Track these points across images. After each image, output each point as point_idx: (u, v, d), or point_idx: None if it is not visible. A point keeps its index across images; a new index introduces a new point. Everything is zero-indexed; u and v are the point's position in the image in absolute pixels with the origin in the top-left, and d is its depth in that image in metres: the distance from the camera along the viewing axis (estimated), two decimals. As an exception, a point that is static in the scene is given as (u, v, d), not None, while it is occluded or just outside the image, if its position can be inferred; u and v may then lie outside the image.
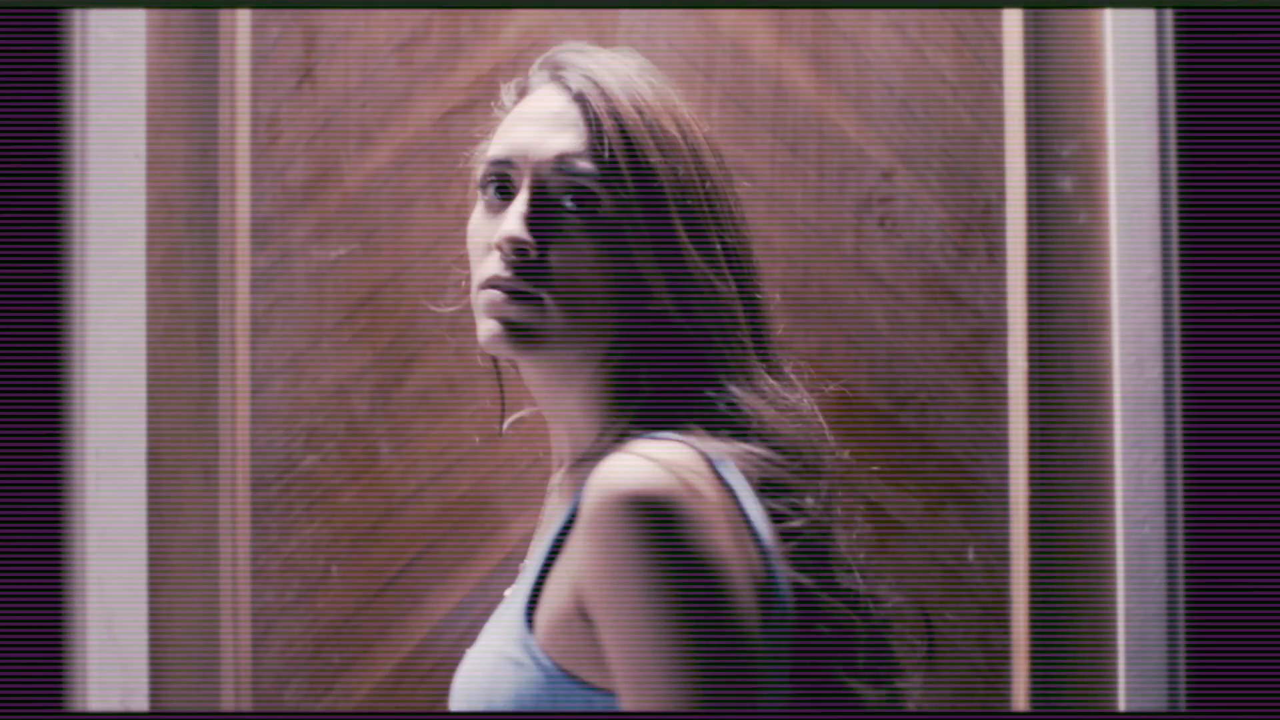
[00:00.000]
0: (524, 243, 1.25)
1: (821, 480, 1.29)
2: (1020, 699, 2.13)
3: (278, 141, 2.11)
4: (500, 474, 2.10)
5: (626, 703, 1.14)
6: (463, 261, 1.37)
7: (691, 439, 1.22)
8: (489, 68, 2.12)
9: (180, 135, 2.07)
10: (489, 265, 1.28)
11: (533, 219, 1.26)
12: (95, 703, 1.95)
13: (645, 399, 1.28)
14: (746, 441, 1.24)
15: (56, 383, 1.98)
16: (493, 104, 1.40)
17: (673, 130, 1.30)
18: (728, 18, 2.14)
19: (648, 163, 1.27)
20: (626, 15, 2.13)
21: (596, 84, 1.30)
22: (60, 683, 1.96)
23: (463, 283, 1.39)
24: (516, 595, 1.26)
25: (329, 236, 2.11)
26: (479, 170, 1.34)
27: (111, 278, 1.99)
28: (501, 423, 1.48)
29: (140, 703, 1.98)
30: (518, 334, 1.26)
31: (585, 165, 1.27)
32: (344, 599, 2.10)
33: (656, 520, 1.14)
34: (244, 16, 2.10)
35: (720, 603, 1.14)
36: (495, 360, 1.43)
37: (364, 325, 2.11)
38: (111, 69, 2.00)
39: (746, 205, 2.14)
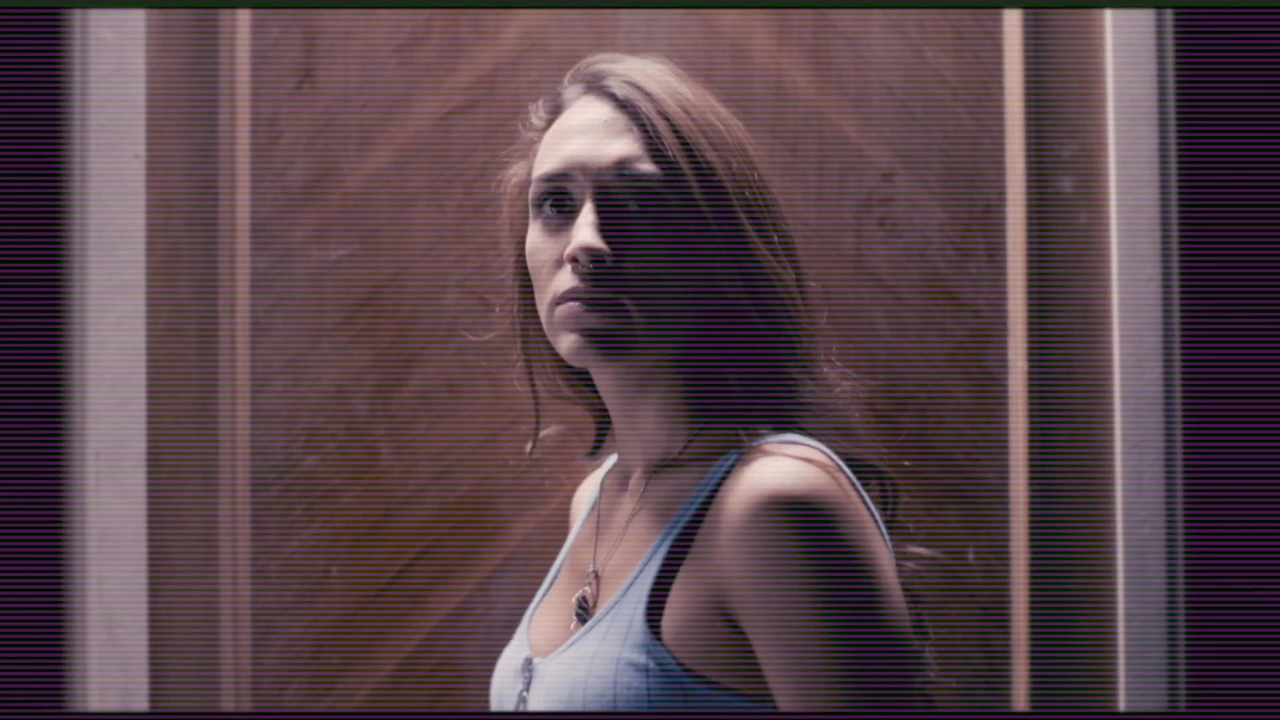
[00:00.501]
0: (600, 251, 1.25)
1: (882, 462, 1.32)
2: (1020, 699, 2.13)
3: (278, 142, 2.11)
4: (500, 475, 2.10)
5: (786, 704, 1.17)
6: (501, 289, 1.40)
7: (811, 440, 1.24)
8: (489, 68, 2.12)
9: (180, 136, 2.07)
10: (562, 280, 1.28)
11: (603, 227, 1.26)
12: (95, 703, 1.95)
13: (729, 397, 1.30)
14: (834, 434, 1.27)
15: (57, 383, 1.98)
16: (521, 125, 1.40)
17: (720, 126, 1.32)
18: (728, 19, 2.14)
19: (705, 160, 1.29)
20: (626, 16, 2.13)
21: (640, 88, 1.30)
22: (60, 683, 1.96)
23: (500, 308, 1.42)
24: (627, 599, 1.25)
25: (329, 237, 2.11)
26: (532, 189, 1.33)
27: (112, 278, 1.99)
28: (532, 445, 1.49)
29: (140, 703, 1.98)
30: (603, 342, 1.27)
31: (647, 168, 1.28)
32: (344, 600, 2.10)
33: (822, 522, 1.16)
34: (244, 17, 2.10)
35: (883, 602, 1.17)
36: (533, 382, 1.44)
37: (364, 326, 2.11)
38: (111, 70, 2.00)
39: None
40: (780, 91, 2.14)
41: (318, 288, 2.11)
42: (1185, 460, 2.08)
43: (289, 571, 2.09)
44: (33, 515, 1.94)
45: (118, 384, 1.99)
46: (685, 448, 1.31)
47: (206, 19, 2.09)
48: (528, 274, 1.35)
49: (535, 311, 1.35)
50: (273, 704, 2.07)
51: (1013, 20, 2.15)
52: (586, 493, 1.56)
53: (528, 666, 1.33)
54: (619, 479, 1.42)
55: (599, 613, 1.28)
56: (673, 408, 1.33)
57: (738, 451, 1.24)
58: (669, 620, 1.22)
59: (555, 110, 1.37)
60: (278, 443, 2.09)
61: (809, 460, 1.19)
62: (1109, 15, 2.11)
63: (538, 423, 1.46)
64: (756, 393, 1.29)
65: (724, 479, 1.22)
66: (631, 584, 1.26)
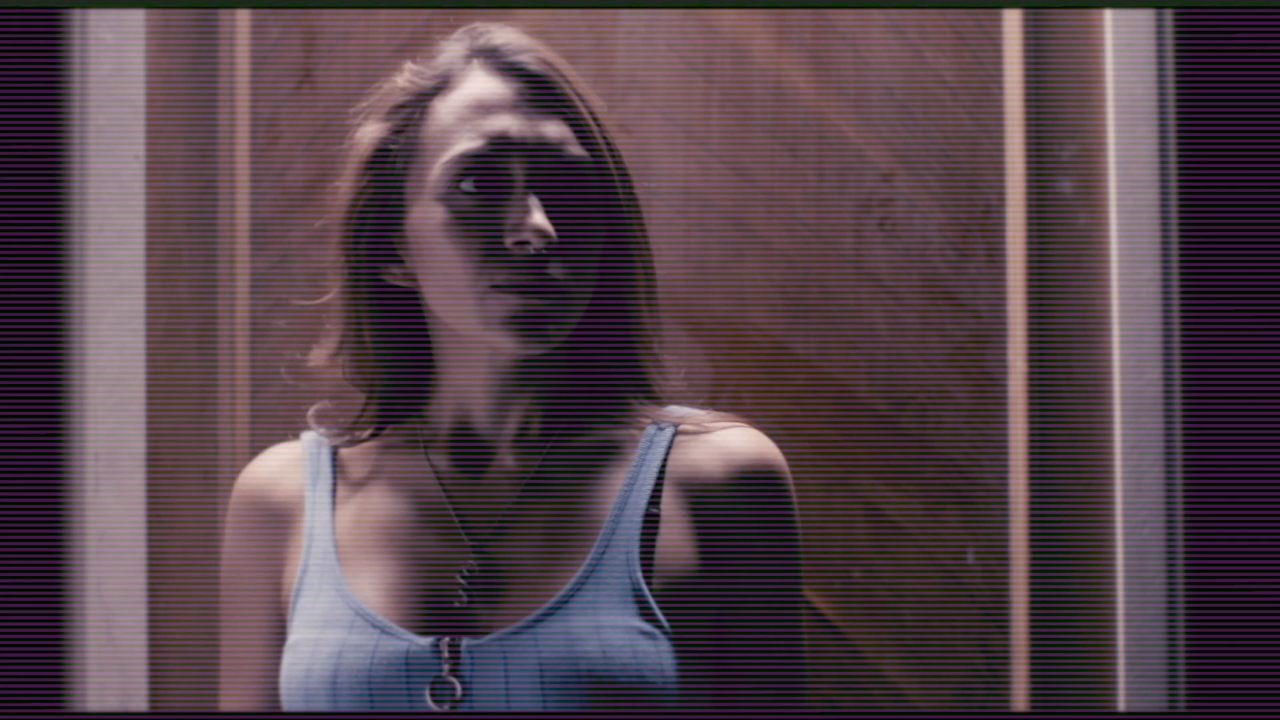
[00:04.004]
0: (551, 234, 1.23)
1: None
2: (1020, 702, 2.13)
3: (277, 143, 2.11)
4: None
5: (742, 665, 1.26)
6: (327, 265, 1.35)
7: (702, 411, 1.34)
8: (488, 69, 2.11)
9: (180, 137, 2.07)
10: (495, 263, 1.24)
11: (546, 209, 1.24)
12: (94, 704, 1.95)
13: (623, 372, 1.33)
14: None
15: (56, 384, 1.97)
16: (394, 82, 1.33)
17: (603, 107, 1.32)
18: (727, 19, 2.13)
19: (614, 142, 1.30)
20: (626, 16, 2.13)
21: (554, 66, 1.29)
22: (59, 685, 1.95)
23: (331, 284, 1.35)
24: (606, 567, 1.24)
25: (329, 238, 2.11)
26: (447, 165, 1.26)
27: (111, 279, 1.99)
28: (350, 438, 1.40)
29: (139, 704, 1.98)
30: (547, 327, 1.25)
31: (577, 151, 1.27)
32: (343, 601, 2.09)
33: (790, 487, 1.31)
34: (244, 18, 2.10)
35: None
36: (362, 367, 1.36)
37: (363, 327, 2.11)
38: (111, 71, 2.00)
39: (746, 207, 2.15)
40: (780, 92, 2.14)
41: (317, 289, 2.10)
42: (1185, 462, 2.08)
43: (288, 572, 2.09)
44: (32, 516, 1.94)
45: (117, 385, 1.99)
46: (583, 421, 1.32)
47: (206, 20, 2.09)
48: (370, 247, 1.31)
49: (372, 290, 1.31)
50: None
51: (1012, 21, 2.15)
52: (293, 473, 1.39)
53: (447, 648, 1.23)
54: (406, 454, 1.34)
55: (570, 583, 1.24)
56: (560, 385, 1.33)
57: (660, 424, 1.31)
58: (658, 584, 1.24)
59: (442, 79, 1.31)
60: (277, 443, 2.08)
61: (760, 431, 1.32)
62: (1109, 16, 2.11)
63: (366, 409, 1.38)
64: (646, 366, 1.33)
65: (668, 450, 1.30)
66: (604, 552, 1.25)
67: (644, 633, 1.22)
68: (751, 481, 1.29)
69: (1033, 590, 2.13)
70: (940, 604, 2.13)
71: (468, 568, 1.27)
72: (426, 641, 1.23)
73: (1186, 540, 2.07)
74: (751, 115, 2.13)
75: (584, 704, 1.19)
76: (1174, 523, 2.08)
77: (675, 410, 1.35)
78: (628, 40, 2.12)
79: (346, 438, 1.39)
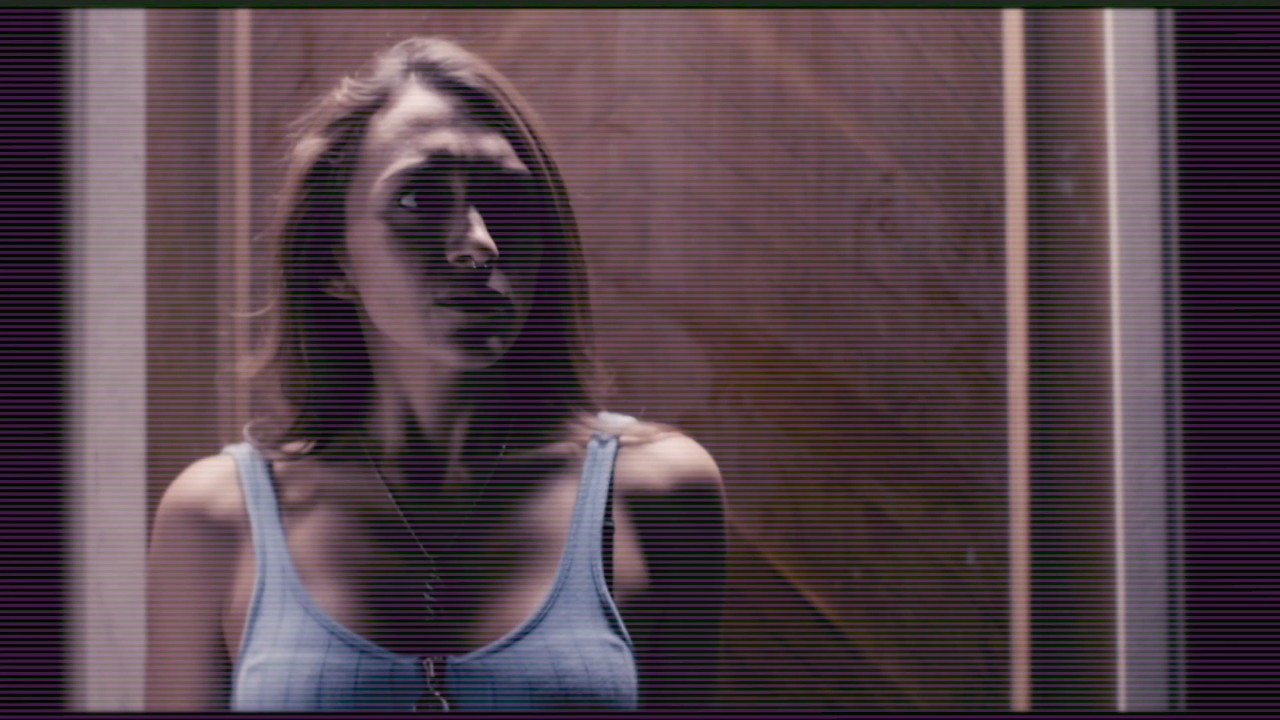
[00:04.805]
0: (492, 250, 1.23)
1: None
2: (1020, 702, 2.13)
3: (277, 143, 2.11)
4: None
5: (665, 656, 1.29)
6: (265, 281, 1.33)
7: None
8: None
9: (180, 137, 2.07)
10: (438, 279, 1.24)
11: (486, 224, 1.24)
12: (94, 705, 1.95)
13: (559, 383, 1.34)
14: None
15: (56, 385, 1.97)
16: (332, 98, 1.32)
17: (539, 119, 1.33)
18: (727, 20, 2.13)
19: (551, 156, 1.31)
20: (626, 16, 2.13)
21: (491, 81, 1.29)
22: (59, 685, 1.95)
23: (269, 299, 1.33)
24: (573, 582, 1.26)
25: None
26: (388, 182, 1.26)
27: (111, 280, 1.99)
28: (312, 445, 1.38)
29: (139, 705, 1.98)
30: (488, 342, 1.25)
31: (516, 165, 1.27)
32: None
33: (724, 497, 1.35)
34: (243, 18, 2.10)
35: None
36: (299, 381, 1.34)
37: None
38: (111, 71, 2.00)
39: (747, 207, 2.15)
40: (780, 93, 2.14)
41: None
42: (1186, 462, 2.08)
43: (288, 573, 2.09)
44: (32, 516, 1.94)
45: (117, 385, 1.99)
46: (530, 431, 1.33)
47: (206, 20, 2.09)
48: (309, 260, 1.30)
49: (309, 303, 1.31)
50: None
51: (1013, 21, 2.15)
52: (229, 488, 1.36)
53: (435, 667, 1.23)
54: (352, 468, 1.33)
55: (544, 599, 1.25)
56: (504, 395, 1.33)
57: (599, 437, 1.33)
58: (618, 597, 1.26)
59: (380, 95, 1.30)
60: (277, 444, 2.09)
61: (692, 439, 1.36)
62: (1109, 16, 2.11)
63: (300, 422, 1.35)
64: (581, 374, 1.35)
65: (614, 459, 1.32)
66: (570, 567, 1.26)
67: (614, 645, 1.24)
68: (694, 493, 1.32)
69: (1033, 591, 2.13)
70: (940, 604, 2.13)
71: (431, 582, 1.27)
72: (409, 660, 1.23)
73: (1187, 541, 2.07)
74: (752, 115, 2.13)
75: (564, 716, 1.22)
76: (1174, 523, 2.08)
77: (610, 419, 1.37)
78: (628, 40, 2.12)
79: (286, 451, 1.36)
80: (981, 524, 2.14)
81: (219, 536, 1.34)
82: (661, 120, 2.13)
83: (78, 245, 1.98)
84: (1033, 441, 2.14)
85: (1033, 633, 2.13)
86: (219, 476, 1.36)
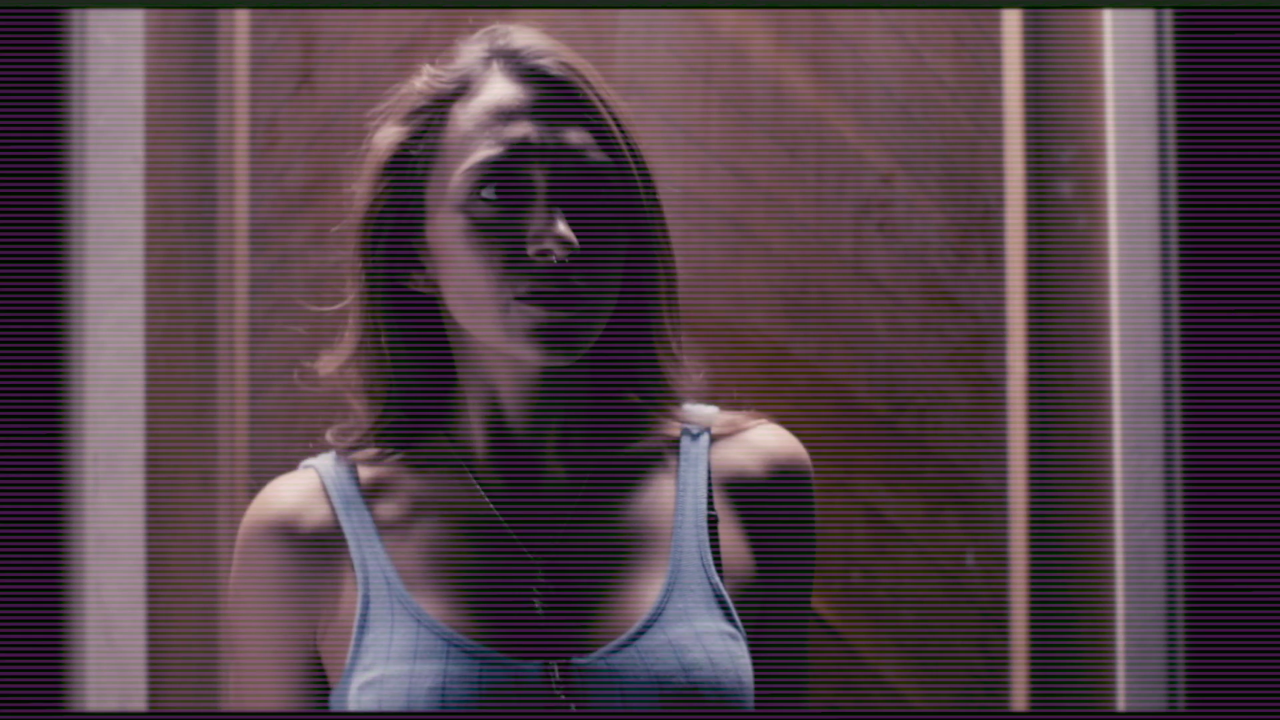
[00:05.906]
0: (574, 244, 1.20)
1: None
2: (1020, 703, 2.13)
3: (276, 145, 2.11)
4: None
5: (767, 644, 1.29)
6: (345, 274, 1.31)
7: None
8: (488, 71, 2.12)
9: (179, 139, 2.07)
10: (519, 273, 1.21)
11: (568, 218, 1.21)
12: (93, 705, 1.95)
13: (650, 377, 1.32)
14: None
15: (55, 386, 1.98)
16: (412, 85, 1.28)
17: (628, 110, 1.30)
18: (727, 20, 2.13)
19: (639, 148, 1.28)
20: (626, 16, 2.13)
21: (575, 70, 1.26)
22: (59, 687, 1.96)
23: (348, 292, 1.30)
24: (685, 574, 1.25)
25: (328, 240, 2.11)
26: (469, 173, 1.23)
27: (110, 281, 1.99)
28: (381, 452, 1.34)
29: (138, 706, 1.98)
30: (572, 339, 1.22)
31: (600, 156, 1.24)
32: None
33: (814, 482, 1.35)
34: (243, 19, 2.10)
35: None
36: (376, 380, 1.30)
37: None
38: (110, 73, 2.00)
39: (746, 209, 2.15)
40: (779, 94, 2.14)
41: (317, 291, 2.11)
42: (1185, 463, 2.08)
43: (288, 574, 2.09)
44: (31, 518, 1.94)
45: (116, 387, 1.99)
46: (622, 427, 1.32)
47: (205, 22, 2.09)
48: (389, 252, 1.27)
49: (390, 296, 1.28)
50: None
51: (1012, 22, 2.15)
52: (317, 502, 1.31)
53: (560, 669, 1.21)
54: (444, 472, 1.30)
55: (659, 593, 1.23)
56: (592, 392, 1.31)
57: (689, 429, 1.32)
58: (730, 586, 1.25)
59: (461, 83, 1.27)
60: (276, 446, 2.09)
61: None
62: (1108, 17, 2.11)
63: (380, 422, 1.31)
64: (667, 369, 1.32)
65: (709, 450, 1.32)
66: (680, 559, 1.25)
67: (731, 636, 1.23)
68: (790, 478, 1.32)
69: (1032, 592, 2.13)
70: (940, 606, 2.13)
71: (538, 585, 1.25)
72: (532, 665, 1.21)
73: (1186, 542, 2.07)
74: (751, 117, 2.13)
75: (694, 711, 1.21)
76: (1173, 524, 2.08)
77: (694, 410, 1.35)
78: (627, 42, 2.12)
79: (368, 455, 1.32)
80: (981, 525, 2.14)
81: (311, 553, 1.29)
82: (660, 122, 2.13)
83: (77, 247, 1.98)
84: (1032, 443, 2.14)
85: (1032, 634, 2.13)
86: (304, 491, 1.31)
